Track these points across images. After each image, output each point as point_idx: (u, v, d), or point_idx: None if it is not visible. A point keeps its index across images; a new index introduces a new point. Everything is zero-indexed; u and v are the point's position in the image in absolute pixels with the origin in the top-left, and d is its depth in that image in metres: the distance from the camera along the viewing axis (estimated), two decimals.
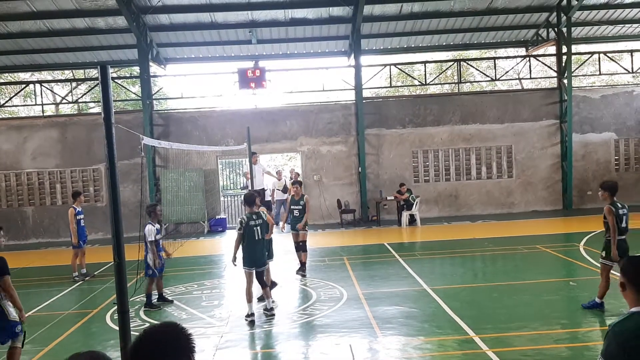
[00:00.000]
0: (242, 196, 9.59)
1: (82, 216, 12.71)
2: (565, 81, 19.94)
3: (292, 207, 11.82)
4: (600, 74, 22.72)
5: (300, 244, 11.67)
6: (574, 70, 21.01)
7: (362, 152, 19.81)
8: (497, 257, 13.07)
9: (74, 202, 12.81)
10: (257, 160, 18.03)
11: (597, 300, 8.25)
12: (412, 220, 18.58)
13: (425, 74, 22.15)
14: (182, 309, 9.54)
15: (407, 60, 23.78)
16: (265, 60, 21.02)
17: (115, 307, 4.91)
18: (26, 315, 9.65)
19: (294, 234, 11.76)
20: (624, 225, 8.04)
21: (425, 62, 22.67)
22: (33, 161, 19.90)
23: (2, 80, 26.45)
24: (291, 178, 20.74)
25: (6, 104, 23.95)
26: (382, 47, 21.88)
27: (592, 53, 22.46)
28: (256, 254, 8.74)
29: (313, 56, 22.24)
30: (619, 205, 8.08)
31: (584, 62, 24.25)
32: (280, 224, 13.06)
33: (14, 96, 23.34)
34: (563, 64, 20.18)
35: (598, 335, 7.44)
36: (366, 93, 21.01)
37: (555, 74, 21.21)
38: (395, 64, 21.70)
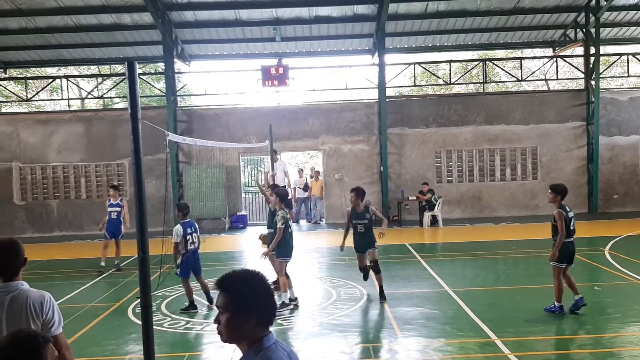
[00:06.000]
0: (276, 191, 9.70)
1: (113, 209, 12.90)
2: (593, 83, 19.63)
3: (354, 222, 9.43)
4: (628, 76, 22.30)
5: (372, 264, 9.47)
6: (602, 72, 20.67)
7: (384, 152, 19.72)
8: (520, 260, 12.91)
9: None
10: (278, 158, 18.08)
11: (557, 304, 8.38)
12: (434, 221, 18.44)
13: (450, 74, 21.98)
14: (202, 304, 9.58)
15: (432, 59, 23.63)
16: (288, 58, 21.03)
17: (138, 300, 4.94)
18: None
19: (359, 256, 9.65)
20: (572, 228, 8.37)
21: (450, 62, 22.51)
22: (58, 155, 20.18)
23: (29, 75, 26.84)
24: (311, 176, 20.75)
25: (33, 98, 24.30)
26: (406, 46, 21.73)
27: (621, 54, 22.08)
28: (292, 244, 9.47)
29: (337, 54, 22.21)
30: (568, 209, 8.41)
31: (612, 63, 23.84)
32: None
33: (40, 90, 23.69)
34: (591, 65, 19.87)
35: (622, 341, 7.31)
36: (389, 92, 20.90)
37: (582, 75, 20.90)
38: (419, 63, 21.55)
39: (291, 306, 9.21)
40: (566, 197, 8.57)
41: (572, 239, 8.30)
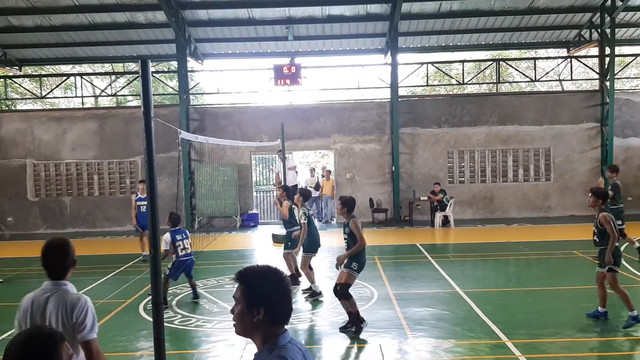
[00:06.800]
0: (299, 190, 10.60)
1: (142, 203, 13.43)
2: (608, 83, 19.44)
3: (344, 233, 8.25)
4: None
5: (338, 287, 7.91)
6: (617, 73, 20.48)
7: (396, 151, 19.68)
8: (532, 262, 12.83)
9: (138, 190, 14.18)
10: (288, 157, 18.10)
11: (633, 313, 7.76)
12: (445, 221, 18.38)
13: (463, 73, 21.88)
14: (213, 302, 9.62)
15: (445, 59, 23.54)
16: (301, 57, 21.05)
17: (149, 298, 4.96)
18: None
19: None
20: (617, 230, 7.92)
21: (463, 61, 22.41)
22: (72, 152, 20.34)
23: (44, 72, 27.08)
24: (323, 175, 20.75)
25: (47, 96, 24.51)
26: (419, 45, 21.66)
27: (636, 55, 21.87)
28: (318, 240, 9.92)
29: (349, 53, 22.19)
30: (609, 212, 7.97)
31: (627, 64, 23.63)
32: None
33: (55, 88, 23.89)
34: (605, 66, 19.68)
35: (635, 345, 7.25)
36: (402, 91, 20.85)
37: (597, 76, 20.71)
38: (432, 63, 21.47)
39: (320, 297, 9.62)
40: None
41: (617, 244, 7.91)
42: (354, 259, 7.88)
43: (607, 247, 7.76)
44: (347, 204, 8.06)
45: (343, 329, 7.85)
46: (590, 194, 8.11)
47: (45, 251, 3.64)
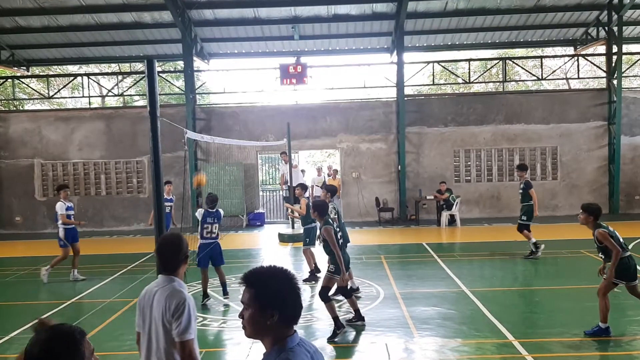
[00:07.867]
0: (325, 186, 10.97)
1: (168, 204, 13.36)
2: (615, 82, 19.36)
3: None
4: None
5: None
6: (624, 71, 20.37)
7: (402, 151, 19.66)
8: (539, 261, 12.77)
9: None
10: (294, 158, 18.14)
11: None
12: (451, 220, 18.35)
13: (469, 72, 21.82)
14: (220, 302, 9.65)
15: (451, 58, 23.50)
16: (307, 56, 21.07)
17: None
18: (68, 302, 9.95)
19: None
20: (621, 240, 7.31)
21: (469, 60, 22.33)
22: (79, 152, 20.44)
23: (51, 73, 27.21)
24: (329, 174, 20.78)
25: (55, 96, 24.63)
26: (425, 44, 21.63)
27: None
28: (345, 235, 9.52)
29: (355, 52, 22.17)
30: (605, 226, 7.36)
31: (635, 62, 23.50)
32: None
33: (62, 88, 24.00)
34: (613, 64, 19.60)
35: None
36: (408, 90, 20.82)
37: (604, 74, 20.62)
38: (438, 62, 21.43)
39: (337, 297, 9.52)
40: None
41: (629, 253, 7.29)
42: (332, 261, 7.85)
43: (611, 263, 7.24)
44: (318, 208, 8.00)
45: (351, 322, 8.11)
46: (580, 211, 7.49)
47: (159, 246, 3.73)
